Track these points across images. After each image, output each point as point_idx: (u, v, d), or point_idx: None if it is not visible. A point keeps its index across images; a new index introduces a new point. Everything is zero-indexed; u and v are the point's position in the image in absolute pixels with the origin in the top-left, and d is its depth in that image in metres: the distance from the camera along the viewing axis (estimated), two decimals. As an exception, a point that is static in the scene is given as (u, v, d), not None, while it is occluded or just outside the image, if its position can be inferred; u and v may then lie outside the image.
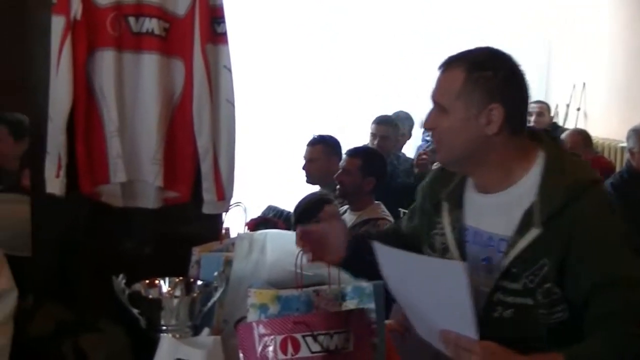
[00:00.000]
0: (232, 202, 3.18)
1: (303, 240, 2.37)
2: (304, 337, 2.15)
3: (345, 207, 4.51)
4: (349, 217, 4.41)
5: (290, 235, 2.65)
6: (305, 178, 5.04)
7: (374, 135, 5.84)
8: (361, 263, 2.32)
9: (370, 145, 5.72)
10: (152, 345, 2.38)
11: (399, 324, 3.26)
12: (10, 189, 3.89)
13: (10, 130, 4.07)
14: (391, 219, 4.36)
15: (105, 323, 2.72)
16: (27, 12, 3.12)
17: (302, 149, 5.12)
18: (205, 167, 3.09)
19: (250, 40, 6.25)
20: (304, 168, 5.03)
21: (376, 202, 4.45)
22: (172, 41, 3.06)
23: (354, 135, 6.77)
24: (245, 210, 3.22)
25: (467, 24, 7.78)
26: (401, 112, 6.61)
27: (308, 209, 3.84)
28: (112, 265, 2.63)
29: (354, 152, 4.61)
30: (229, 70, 3.13)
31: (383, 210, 4.39)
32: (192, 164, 3.10)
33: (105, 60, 2.97)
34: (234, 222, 3.29)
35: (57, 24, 2.91)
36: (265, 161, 6.66)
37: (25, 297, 2.89)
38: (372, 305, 2.27)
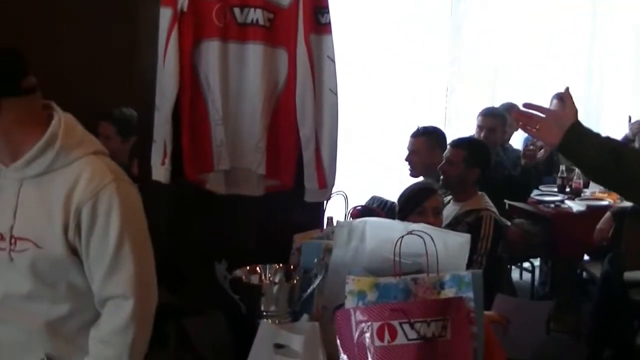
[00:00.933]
0: (334, 190, 3.19)
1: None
2: (401, 324, 2.15)
3: (449, 197, 4.47)
4: (452, 208, 4.38)
5: (389, 224, 2.66)
6: (408, 170, 5.02)
7: (480, 128, 5.76)
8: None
9: (476, 137, 5.65)
10: (251, 330, 2.42)
11: (501, 315, 3.23)
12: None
13: (118, 129, 4.20)
14: (495, 210, 4.31)
15: (207, 307, 2.77)
16: (136, 6, 3.21)
17: (407, 140, 5.09)
18: (308, 156, 3.11)
19: (354, 30, 6.24)
20: (407, 159, 5.01)
21: (480, 192, 4.39)
22: (276, 31, 3.10)
23: (460, 126, 6.71)
24: (346, 198, 3.24)
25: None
26: (509, 103, 6.50)
27: (412, 198, 3.82)
28: (215, 252, 2.68)
29: (458, 143, 4.56)
30: (332, 60, 3.14)
31: (487, 201, 4.34)
32: (295, 153, 3.13)
33: (211, 51, 3.02)
34: (336, 210, 3.31)
35: (165, 15, 2.98)
36: (371, 151, 6.64)
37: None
38: (470, 294, 2.25)
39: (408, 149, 5.04)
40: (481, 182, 4.46)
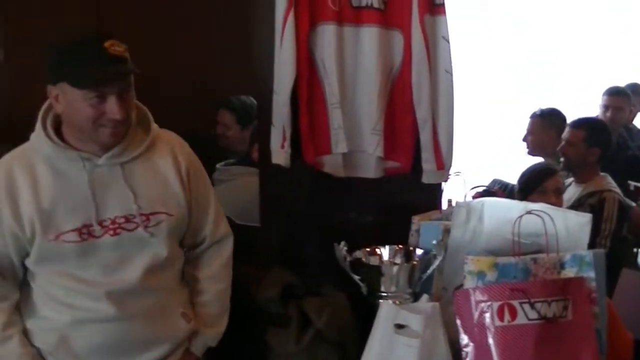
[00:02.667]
0: (451, 172, 3.18)
1: None
2: (521, 304, 2.14)
3: (570, 179, 4.40)
4: (574, 190, 4.30)
5: (508, 204, 2.63)
6: (526, 150, 4.98)
7: (605, 107, 5.61)
8: None
9: (601, 117, 5.52)
10: (372, 310, 2.44)
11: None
12: (241, 161, 4.10)
13: (237, 118, 4.28)
14: (618, 191, 4.21)
15: (328, 288, 2.81)
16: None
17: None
18: (425, 137, 3.10)
19: (468, 10, 6.17)
20: (523, 139, 4.97)
21: (603, 174, 4.30)
22: (390, 13, 3.10)
23: (580, 107, 6.56)
24: (464, 180, 3.22)
25: None
26: (634, 83, 6.32)
27: (533, 178, 3.79)
28: (334, 233, 2.71)
29: (578, 124, 4.47)
30: (447, 40, 3.12)
31: (610, 182, 4.24)
32: (412, 135, 3.13)
33: (327, 35, 3.05)
34: (454, 192, 3.29)
35: (281, 0, 3.02)
36: (490, 133, 6.56)
37: (256, 264, 3.05)
38: (592, 274, 2.22)
39: (526, 129, 4.99)
40: (604, 163, 4.37)
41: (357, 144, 3.11)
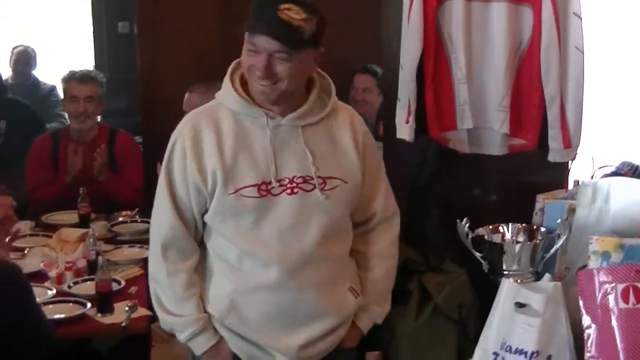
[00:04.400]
0: (578, 151, 3.12)
1: None
2: (647, 286, 2.09)
3: None
4: None
5: (636, 184, 2.57)
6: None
7: None
8: None
9: None
10: (493, 288, 2.43)
11: None
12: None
13: (377, 82, 4.29)
14: None
15: (448, 265, 2.81)
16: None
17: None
18: (552, 115, 3.05)
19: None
20: None
21: None
22: (521, -11, 3.06)
23: None
24: (592, 159, 3.15)
25: None
26: None
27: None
28: (457, 210, 2.71)
29: None
30: (579, 16, 3.05)
31: None
32: (539, 112, 3.08)
33: (455, 10, 3.04)
34: (581, 171, 3.23)
35: (410, -24, 3.02)
36: (622, 113, 6.36)
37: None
38: None
39: None
40: None
41: (482, 120, 3.09)
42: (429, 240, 3.01)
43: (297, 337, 2.44)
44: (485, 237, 2.68)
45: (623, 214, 2.44)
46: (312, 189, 2.38)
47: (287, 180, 2.37)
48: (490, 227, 2.73)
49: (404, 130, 3.07)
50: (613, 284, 2.12)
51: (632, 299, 2.10)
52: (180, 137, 2.43)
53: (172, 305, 2.47)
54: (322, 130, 2.44)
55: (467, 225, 2.62)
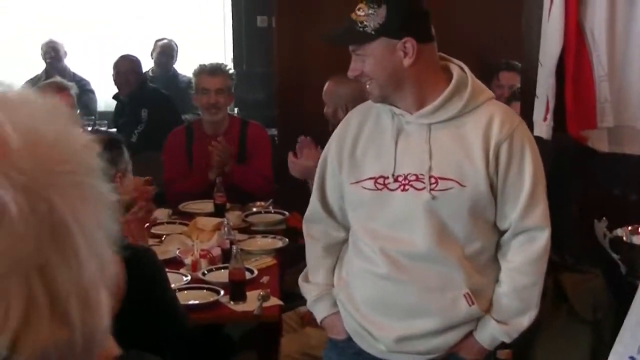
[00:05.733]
0: None
1: None
2: None
3: None
4: None
5: None
6: None
7: None
8: None
9: None
10: (630, 291, 2.37)
11: None
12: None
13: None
14: None
15: (584, 265, 2.75)
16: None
17: None
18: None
19: None
20: None
21: None
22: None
23: None
24: None
25: None
26: None
27: None
28: (594, 209, 2.65)
29: None
30: None
31: None
32: (683, 110, 2.98)
33: (598, 5, 2.96)
34: None
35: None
36: None
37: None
38: None
39: None
40: None
41: (624, 118, 3.01)
42: (564, 240, 2.95)
43: (396, 328, 2.45)
44: (624, 238, 2.62)
45: None
46: (423, 188, 2.37)
47: (402, 177, 2.39)
48: (630, 228, 2.66)
49: (542, 127, 3.01)
50: None
51: None
52: (338, 127, 2.59)
53: (307, 272, 2.64)
54: (450, 129, 2.39)
55: (606, 225, 2.57)
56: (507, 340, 2.45)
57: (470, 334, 2.45)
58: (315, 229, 2.62)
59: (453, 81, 2.38)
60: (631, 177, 3.12)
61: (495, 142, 2.33)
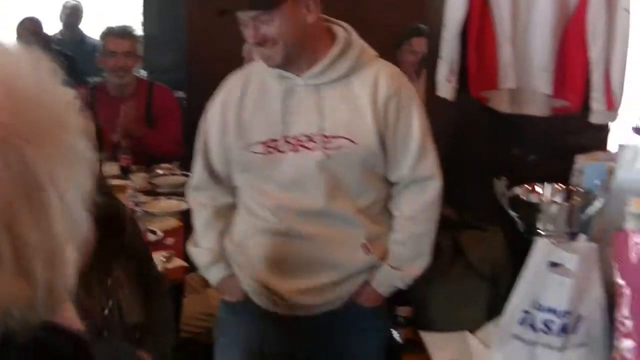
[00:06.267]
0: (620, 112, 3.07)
1: None
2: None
3: None
4: None
5: (678, 147, 2.52)
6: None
7: None
8: None
9: None
10: (527, 248, 2.41)
11: None
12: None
13: None
14: None
15: (483, 223, 2.79)
16: None
17: None
18: (596, 76, 3.00)
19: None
20: None
21: None
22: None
23: None
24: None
25: None
26: None
27: None
28: (495, 169, 2.69)
29: None
30: (628, -22, 3.00)
31: None
32: (583, 73, 3.03)
33: (501, -32, 2.99)
34: (623, 133, 3.19)
35: None
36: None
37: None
38: None
39: None
40: None
41: (525, 80, 3.06)
42: (465, 198, 2.99)
43: (296, 282, 2.49)
44: (522, 196, 2.66)
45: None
46: (315, 148, 2.39)
47: (294, 139, 2.41)
48: (528, 186, 2.71)
49: (446, 88, 3.04)
50: (649, 246, 2.09)
51: (663, 260, 2.07)
52: (219, 91, 2.56)
53: (196, 237, 2.63)
54: (339, 89, 2.43)
55: (505, 184, 2.61)
56: (402, 286, 2.56)
57: (367, 283, 2.53)
58: (202, 195, 2.61)
59: (339, 41, 2.41)
60: (530, 137, 3.18)
61: (383, 98, 2.40)
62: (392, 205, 2.56)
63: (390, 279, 2.54)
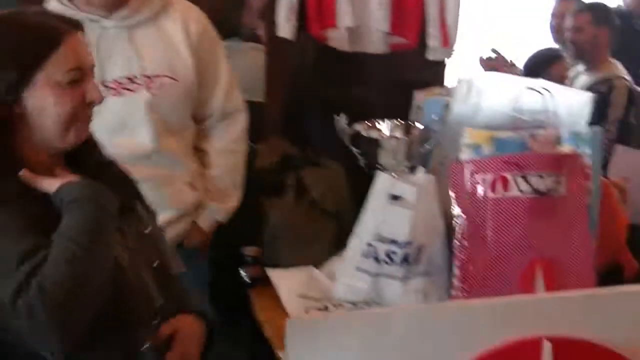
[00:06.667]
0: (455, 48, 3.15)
1: None
2: (514, 177, 2.13)
3: (580, 68, 4.32)
4: (585, 79, 4.24)
5: (509, 80, 2.61)
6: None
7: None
8: None
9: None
10: (369, 182, 2.45)
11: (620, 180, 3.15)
12: (248, 38, 4.06)
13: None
14: (629, 78, 4.16)
15: (326, 160, 2.82)
16: None
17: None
18: (432, 13, 3.07)
19: None
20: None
21: (613, 60, 4.24)
22: None
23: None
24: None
25: None
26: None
27: (537, 64, 3.75)
28: (336, 107, 2.71)
29: (582, 8, 4.37)
30: None
31: (620, 69, 4.17)
32: (419, 10, 3.09)
33: None
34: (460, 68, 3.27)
35: None
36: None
37: (257, 137, 3.06)
38: (587, 151, 2.21)
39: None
40: (619, 52, 4.30)
41: (363, 18, 3.08)
42: (307, 136, 3.02)
43: None
44: (363, 132, 2.69)
45: (497, 110, 2.48)
46: (138, 89, 2.38)
47: (113, 83, 2.37)
48: (368, 123, 2.74)
49: (285, 28, 3.04)
50: (482, 175, 2.16)
51: (500, 189, 2.14)
52: None
53: None
54: (151, 29, 2.42)
55: (346, 121, 2.63)
56: (223, 220, 2.63)
57: (194, 222, 2.58)
58: None
59: None
60: (370, 75, 3.22)
61: (196, 34, 2.46)
62: (203, 141, 2.60)
63: (214, 214, 2.60)
